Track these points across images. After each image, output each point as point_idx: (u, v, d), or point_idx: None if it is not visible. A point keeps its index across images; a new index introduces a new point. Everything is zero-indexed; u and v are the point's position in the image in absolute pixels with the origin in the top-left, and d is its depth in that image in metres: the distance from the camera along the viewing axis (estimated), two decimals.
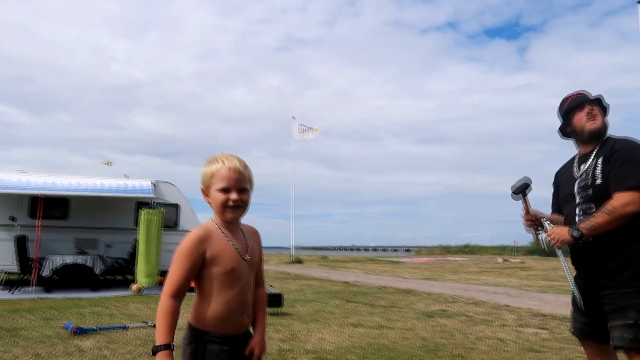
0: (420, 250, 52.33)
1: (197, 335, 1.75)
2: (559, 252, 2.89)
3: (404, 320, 7.29)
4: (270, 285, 8.47)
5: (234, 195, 1.74)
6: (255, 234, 1.95)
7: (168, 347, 1.63)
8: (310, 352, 5.11)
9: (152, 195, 11.73)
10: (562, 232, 2.62)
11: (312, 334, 6.10)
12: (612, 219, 2.47)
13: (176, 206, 12.94)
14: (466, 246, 48.84)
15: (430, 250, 48.48)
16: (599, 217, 2.50)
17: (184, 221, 12.99)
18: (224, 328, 1.75)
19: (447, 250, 47.49)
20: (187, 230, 13.09)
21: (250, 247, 1.85)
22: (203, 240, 1.72)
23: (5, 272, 11.36)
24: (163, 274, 10.99)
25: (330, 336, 6.01)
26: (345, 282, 13.99)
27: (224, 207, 1.75)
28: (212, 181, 1.77)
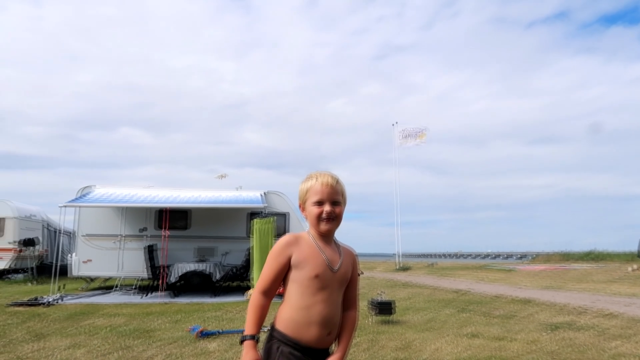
0: (536, 257, 48.69)
1: (275, 335, 1.83)
2: None
3: (526, 332, 6.79)
4: (381, 292, 8.38)
5: (327, 207, 1.84)
6: (351, 255, 1.98)
7: (253, 338, 1.77)
8: None
9: (263, 205, 12.26)
10: None
11: (427, 344, 5.92)
12: None
13: (285, 215, 13.42)
14: (590, 253, 44.42)
15: (547, 257, 44.80)
16: None
17: (293, 229, 13.41)
18: (299, 334, 1.79)
19: (567, 257, 43.58)
20: None
21: (342, 263, 1.88)
22: (290, 244, 1.83)
23: (138, 279, 12.57)
24: None
25: (447, 346, 5.77)
26: (457, 290, 13.44)
27: (319, 219, 1.84)
28: (307, 196, 1.87)
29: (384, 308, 7.50)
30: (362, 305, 9.09)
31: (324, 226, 1.84)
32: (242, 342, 1.76)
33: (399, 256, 28.72)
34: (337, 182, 1.90)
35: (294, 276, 1.82)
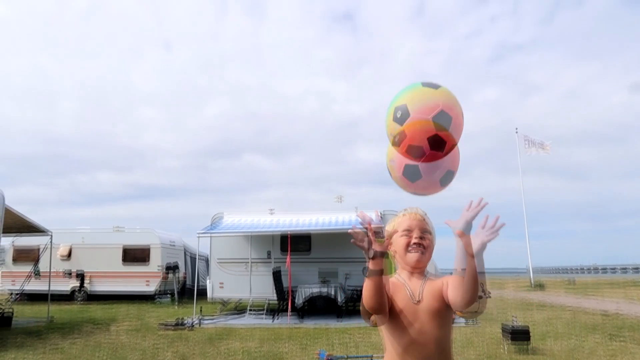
0: None
1: None
2: None
3: None
4: (514, 317, 7.80)
5: (416, 234, 1.78)
6: (434, 281, 1.82)
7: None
8: None
9: (380, 225, 12.19)
10: None
11: None
12: None
13: None
14: None
15: None
16: None
17: None
18: None
19: None
20: None
21: (420, 292, 1.77)
22: (388, 284, 1.75)
23: (268, 300, 13.20)
24: None
25: None
26: (605, 313, 12.02)
27: (407, 249, 1.79)
28: (395, 232, 1.81)
29: (519, 336, 6.95)
30: (496, 330, 8.54)
31: (413, 256, 1.78)
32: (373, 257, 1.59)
33: (531, 272, 26.56)
34: (425, 214, 1.87)
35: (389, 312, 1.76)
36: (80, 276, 17.50)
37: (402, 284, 1.79)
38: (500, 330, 7.52)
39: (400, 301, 1.74)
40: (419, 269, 1.82)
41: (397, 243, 1.81)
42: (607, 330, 8.97)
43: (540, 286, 24.66)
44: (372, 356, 6.69)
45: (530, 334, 7.15)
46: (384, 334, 1.77)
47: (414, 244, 1.78)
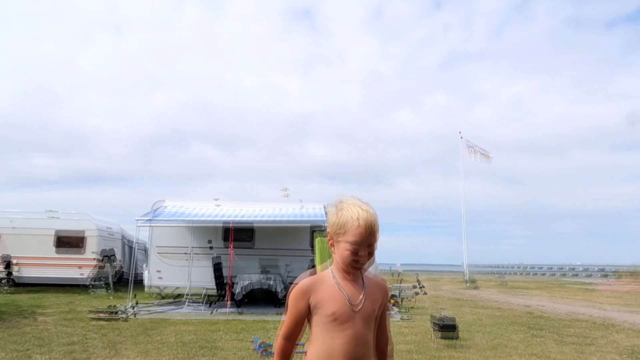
0: (619, 274, 45.14)
1: None
2: None
3: (603, 358, 6.33)
4: (442, 309, 8.16)
5: (362, 254, 1.70)
6: (380, 287, 1.85)
7: None
8: None
9: (323, 220, 12.34)
10: None
11: None
12: None
13: None
14: None
15: (633, 273, 41.50)
16: None
17: None
18: None
19: None
20: None
21: (364, 298, 1.76)
22: (307, 291, 1.73)
23: (206, 290, 13.05)
24: None
25: None
26: (527, 309, 12.79)
27: (348, 265, 1.71)
28: (341, 232, 1.70)
29: (447, 329, 7.28)
30: (427, 324, 8.87)
31: (352, 270, 1.73)
32: None
33: (466, 274, 27.73)
34: (376, 220, 1.74)
35: (315, 318, 1.74)
36: (7, 262, 16.57)
37: (336, 289, 1.73)
38: (431, 322, 7.84)
39: (337, 306, 1.71)
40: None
41: (341, 251, 1.72)
42: (529, 326, 9.55)
43: (473, 283, 25.82)
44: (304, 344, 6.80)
45: (458, 327, 7.50)
46: (313, 329, 1.76)
47: (359, 262, 1.71)
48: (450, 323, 7.34)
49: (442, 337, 7.38)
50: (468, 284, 25.57)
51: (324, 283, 1.75)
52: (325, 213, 13.18)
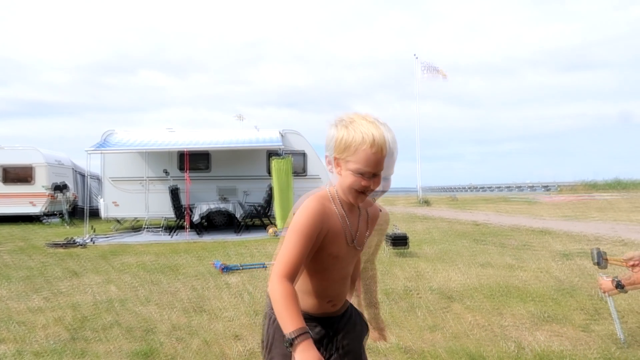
0: (561, 188, 48.17)
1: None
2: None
3: (538, 261, 6.96)
4: (395, 226, 8.60)
5: (369, 182, 1.43)
6: (375, 217, 1.67)
7: (306, 332, 1.30)
8: (435, 291, 5.19)
9: (280, 145, 12.38)
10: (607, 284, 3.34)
11: (438, 274, 6.16)
12: None
13: (303, 154, 13.57)
14: (617, 182, 43.57)
15: (573, 188, 44.37)
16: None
17: (311, 168, 13.61)
18: (304, 306, 1.54)
19: (593, 187, 42.95)
20: (316, 176, 13.84)
21: (360, 232, 1.56)
22: (324, 219, 1.44)
23: (165, 218, 13.11)
24: None
25: (457, 276, 6.00)
26: (475, 223, 13.63)
27: (355, 192, 1.45)
28: (348, 155, 1.41)
29: (399, 241, 7.73)
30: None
31: (356, 200, 1.48)
32: (292, 343, 1.28)
33: (420, 191, 28.89)
34: (394, 141, 1.48)
35: (314, 254, 1.48)
36: None
37: (340, 223, 1.50)
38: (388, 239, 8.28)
39: (341, 244, 1.51)
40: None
41: (345, 177, 1.44)
42: (474, 236, 10.25)
43: (426, 202, 27.03)
44: (265, 265, 7.09)
45: (409, 240, 7.97)
46: (306, 265, 1.51)
47: (368, 189, 1.45)
48: (401, 236, 7.77)
49: (394, 249, 7.84)
50: (421, 203, 26.75)
51: (332, 212, 1.49)
52: (281, 136, 13.24)
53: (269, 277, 1.38)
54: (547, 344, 3.52)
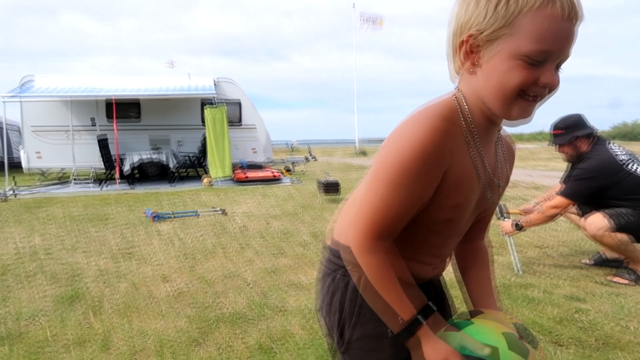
0: None
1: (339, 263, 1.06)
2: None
3: None
4: (327, 173, 8.85)
5: (548, 77, 0.83)
6: (512, 151, 1.13)
7: (433, 311, 0.96)
8: None
9: (213, 93, 12.11)
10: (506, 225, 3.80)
11: None
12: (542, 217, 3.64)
13: (238, 103, 13.37)
14: (540, 133, 46.32)
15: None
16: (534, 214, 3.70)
17: (246, 117, 13.48)
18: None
19: (518, 138, 45.53)
20: (251, 126, 13.73)
21: (500, 169, 1.05)
22: (447, 147, 0.89)
23: (94, 169, 12.63)
24: (231, 168, 11.73)
25: None
26: None
27: (517, 99, 0.86)
28: (507, 27, 0.82)
29: (330, 187, 7.97)
30: (313, 186, 9.54)
31: (522, 113, 0.88)
32: (405, 337, 0.94)
33: (354, 142, 29.43)
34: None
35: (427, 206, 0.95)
36: None
37: (470, 157, 0.94)
38: (317, 184, 8.50)
39: (468, 192, 0.96)
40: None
41: (499, 70, 0.84)
42: None
43: (363, 153, 27.63)
44: (198, 212, 7.12)
45: (341, 187, 8.22)
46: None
47: (534, 95, 0.86)
48: (333, 182, 8.01)
49: (326, 196, 8.09)
50: (358, 154, 27.32)
51: (459, 138, 0.92)
52: (215, 84, 12.91)
53: (351, 234, 0.94)
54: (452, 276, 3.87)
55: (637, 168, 3.43)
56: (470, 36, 0.86)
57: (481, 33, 0.85)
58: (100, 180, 11.89)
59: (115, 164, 11.41)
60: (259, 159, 13.58)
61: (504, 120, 0.94)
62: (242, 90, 13.50)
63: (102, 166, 11.89)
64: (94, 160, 12.19)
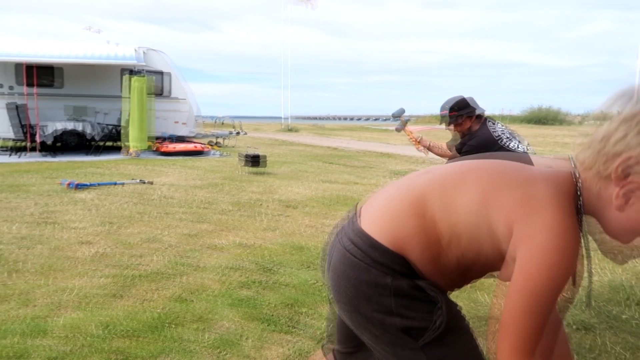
0: (419, 119, 52.76)
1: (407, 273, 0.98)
2: None
3: (374, 178, 8.02)
4: (255, 148, 9.10)
5: None
6: None
7: None
8: (278, 201, 5.86)
9: (138, 63, 11.81)
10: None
11: (284, 188, 6.84)
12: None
13: (167, 74, 13.12)
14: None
15: (427, 119, 48.83)
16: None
17: (176, 89, 13.27)
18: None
19: (440, 119, 47.45)
20: (179, 98, 13.51)
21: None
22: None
23: (2, 139, 11.94)
24: (155, 139, 11.61)
25: (301, 189, 6.75)
26: (331, 147, 14.72)
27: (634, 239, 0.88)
28: None
29: (253, 160, 8.24)
30: (235, 160, 9.75)
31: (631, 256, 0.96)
32: None
33: (284, 118, 29.64)
34: None
35: None
36: None
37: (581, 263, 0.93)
38: (239, 158, 8.71)
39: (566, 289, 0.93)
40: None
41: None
42: (328, 159, 11.22)
43: (293, 130, 27.95)
44: (121, 182, 7.13)
45: (265, 160, 8.47)
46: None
47: None
48: (254, 155, 8.27)
49: (251, 168, 8.35)
50: (289, 130, 27.60)
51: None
52: (141, 53, 12.54)
53: (505, 353, 0.85)
54: None
55: (509, 144, 4.03)
56: (622, 169, 0.80)
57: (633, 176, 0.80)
58: (14, 149, 11.31)
59: (30, 133, 10.89)
60: (185, 132, 13.46)
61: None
62: (170, 62, 13.25)
63: (15, 135, 11.28)
64: (4, 129, 11.52)
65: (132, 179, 7.38)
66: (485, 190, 0.90)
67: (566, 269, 0.81)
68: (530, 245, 0.82)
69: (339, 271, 1.04)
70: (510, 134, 4.17)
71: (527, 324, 0.82)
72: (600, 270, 3.36)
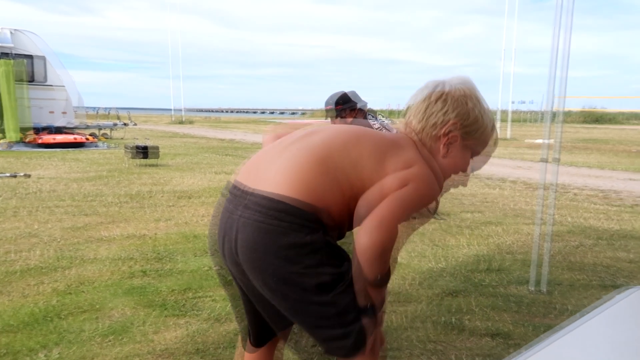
0: (314, 113, 53.86)
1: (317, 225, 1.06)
2: None
3: None
4: (144, 139, 8.73)
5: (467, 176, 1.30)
6: None
7: None
8: (171, 192, 5.74)
9: (4, 44, 10.69)
10: None
11: (178, 179, 6.70)
12: None
13: (40, 58, 11.99)
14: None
15: (321, 113, 49.94)
16: None
17: (51, 76, 12.20)
18: None
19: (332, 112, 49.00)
20: (56, 86, 12.38)
21: None
22: None
23: None
24: (30, 130, 10.63)
25: (196, 180, 6.66)
26: (226, 139, 14.57)
27: (451, 179, 1.26)
28: (474, 136, 1.21)
29: (144, 152, 7.91)
30: (121, 152, 9.32)
31: (445, 184, 1.26)
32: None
33: (175, 110, 28.60)
34: None
35: None
36: None
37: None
38: (125, 150, 8.29)
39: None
40: None
41: (457, 158, 1.22)
42: (223, 151, 11.12)
43: (186, 122, 27.08)
44: (17, 174, 6.54)
45: (154, 151, 8.14)
46: None
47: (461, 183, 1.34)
48: (142, 146, 7.94)
49: (142, 160, 7.99)
50: (181, 123, 26.66)
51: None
52: (11, 37, 11.29)
53: (368, 238, 1.02)
54: None
55: None
56: (451, 124, 1.17)
57: (457, 129, 1.18)
58: None
59: None
60: (63, 122, 12.43)
61: None
62: (43, 45, 12.12)
63: None
64: None
65: (1, 173, 6.72)
66: (380, 150, 1.12)
67: (425, 201, 1.12)
68: (413, 180, 1.09)
69: (252, 245, 1.04)
70: (388, 127, 4.52)
71: (399, 221, 1.05)
72: (467, 245, 3.81)
